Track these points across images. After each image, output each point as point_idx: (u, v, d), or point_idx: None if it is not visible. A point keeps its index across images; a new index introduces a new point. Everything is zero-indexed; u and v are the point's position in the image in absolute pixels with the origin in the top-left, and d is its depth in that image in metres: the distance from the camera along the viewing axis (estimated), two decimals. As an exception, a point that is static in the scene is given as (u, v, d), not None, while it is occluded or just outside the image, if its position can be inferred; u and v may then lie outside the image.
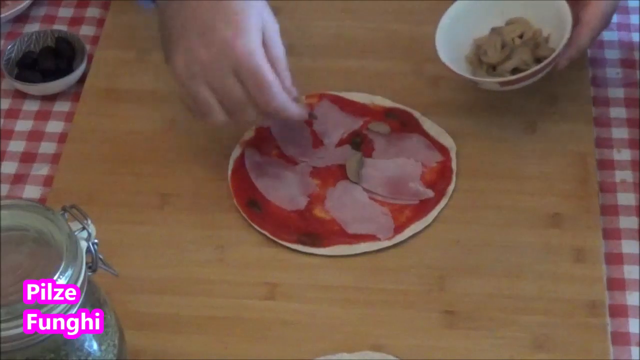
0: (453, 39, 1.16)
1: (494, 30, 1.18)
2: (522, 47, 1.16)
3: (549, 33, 1.17)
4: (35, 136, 1.23)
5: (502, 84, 1.13)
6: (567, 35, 1.11)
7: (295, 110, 1.09)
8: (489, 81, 1.14)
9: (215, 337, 1.03)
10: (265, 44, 1.05)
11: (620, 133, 1.20)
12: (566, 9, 1.13)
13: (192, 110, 1.08)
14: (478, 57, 1.17)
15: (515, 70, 1.14)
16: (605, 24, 1.15)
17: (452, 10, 1.17)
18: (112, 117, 1.23)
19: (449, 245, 1.09)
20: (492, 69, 1.17)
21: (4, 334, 0.81)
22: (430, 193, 1.13)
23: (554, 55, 1.11)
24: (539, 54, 1.15)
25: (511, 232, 1.10)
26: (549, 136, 1.18)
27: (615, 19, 1.31)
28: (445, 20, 1.17)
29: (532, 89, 1.21)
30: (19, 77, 1.26)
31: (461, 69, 1.15)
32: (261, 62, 1.04)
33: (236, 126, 1.11)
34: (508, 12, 1.19)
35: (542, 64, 1.11)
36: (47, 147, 1.22)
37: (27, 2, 1.34)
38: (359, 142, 1.18)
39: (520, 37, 1.18)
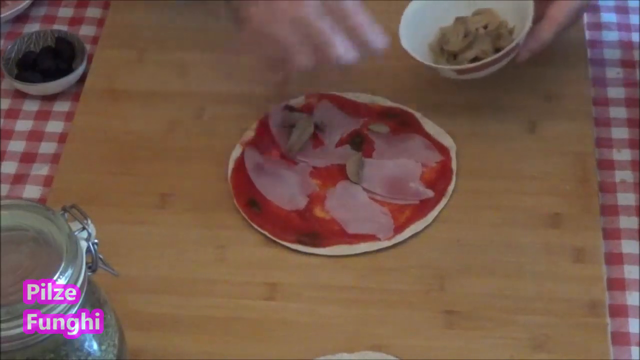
0: (419, 27, 1.17)
1: (459, 20, 1.19)
2: (483, 37, 1.16)
3: (514, 25, 1.17)
4: (35, 136, 1.23)
5: (459, 71, 1.14)
6: (527, 26, 1.11)
7: (379, 38, 1.06)
8: (447, 68, 1.15)
9: (215, 337, 1.03)
10: None
11: (620, 133, 1.20)
12: (530, 2, 1.13)
13: (270, 62, 1.07)
14: (441, 46, 1.18)
15: (475, 60, 1.15)
16: (572, 20, 1.15)
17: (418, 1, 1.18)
18: (112, 117, 1.23)
19: (449, 245, 1.09)
20: (454, 57, 1.17)
21: (4, 334, 0.81)
22: (430, 193, 1.13)
23: (511, 46, 1.12)
24: (500, 45, 1.15)
25: (511, 232, 1.10)
26: (549, 136, 1.18)
27: (615, 19, 1.32)
28: (412, 9, 1.17)
29: (532, 88, 1.21)
30: (19, 77, 1.26)
31: (424, 56, 1.16)
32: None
33: (315, 69, 1.07)
34: (476, 3, 1.19)
35: (499, 54, 1.12)
36: (47, 147, 1.22)
37: (27, 2, 1.35)
38: (359, 142, 1.18)
39: (485, 27, 1.18)
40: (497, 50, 1.14)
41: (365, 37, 1.05)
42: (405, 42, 1.15)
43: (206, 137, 1.20)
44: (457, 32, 1.17)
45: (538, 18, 1.13)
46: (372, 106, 1.21)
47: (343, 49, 1.04)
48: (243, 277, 1.08)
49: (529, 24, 1.12)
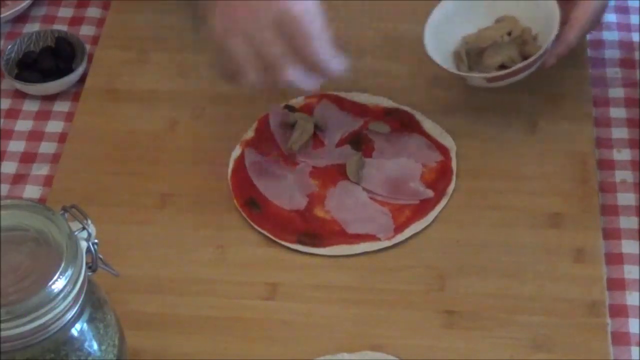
0: (442, 36, 1.17)
1: (483, 30, 1.19)
2: (509, 44, 1.16)
3: (538, 31, 1.17)
4: (35, 136, 1.23)
5: (490, 79, 1.14)
6: (554, 32, 1.11)
7: (334, 61, 1.05)
8: (477, 76, 1.15)
9: (215, 337, 1.03)
10: None
11: (620, 133, 1.20)
12: (555, 7, 1.13)
13: (225, 74, 1.06)
14: (466, 54, 1.18)
15: (502, 67, 1.15)
16: (595, 23, 1.15)
17: (442, 8, 1.18)
18: (112, 117, 1.23)
19: (449, 245, 1.09)
20: (479, 65, 1.17)
21: (4, 334, 0.81)
22: (430, 193, 1.13)
23: (540, 52, 1.12)
24: (527, 52, 1.15)
25: (511, 232, 1.10)
26: (549, 136, 1.18)
27: (615, 19, 1.32)
28: (435, 17, 1.17)
29: (532, 88, 1.21)
30: (19, 77, 1.26)
31: (449, 65, 1.16)
32: (302, 7, 1.01)
33: (266, 87, 1.06)
34: (497, 10, 1.19)
35: (528, 61, 1.12)
36: (47, 147, 1.22)
37: (27, 2, 1.34)
38: (359, 142, 1.18)
39: (509, 34, 1.18)
40: (524, 56, 1.14)
41: (320, 64, 1.04)
42: (432, 52, 1.14)
43: (206, 137, 1.20)
44: (484, 39, 1.17)
45: (561, 22, 1.13)
46: (372, 106, 1.21)
47: (294, 76, 1.03)
48: (243, 277, 1.08)
49: (556, 29, 1.12)
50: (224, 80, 1.07)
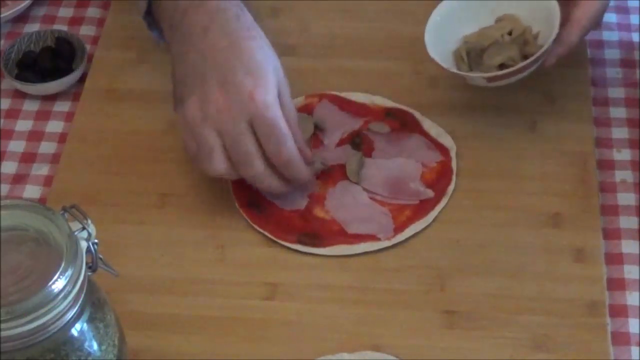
0: (442, 36, 1.17)
1: (483, 29, 1.19)
2: (510, 43, 1.16)
3: (538, 31, 1.17)
4: (35, 136, 1.23)
5: (489, 79, 1.14)
6: (555, 32, 1.11)
7: (303, 169, 1.08)
8: (477, 76, 1.14)
9: (215, 337, 1.03)
10: (279, 99, 1.06)
11: (620, 133, 1.20)
12: (555, 7, 1.13)
13: (194, 157, 1.08)
14: (466, 53, 1.18)
15: (502, 67, 1.15)
16: (596, 23, 1.15)
17: (443, 7, 1.18)
18: (112, 117, 1.23)
19: (449, 245, 1.09)
20: (479, 65, 1.17)
21: (4, 334, 0.81)
22: (430, 193, 1.13)
23: (540, 52, 1.12)
24: (527, 51, 1.15)
25: (511, 232, 1.10)
26: (549, 136, 1.18)
27: (615, 19, 1.32)
28: (435, 17, 1.17)
29: (532, 88, 1.21)
30: (19, 77, 1.26)
31: (449, 64, 1.16)
32: (278, 114, 1.05)
33: (232, 178, 1.09)
34: (498, 9, 1.19)
35: (528, 60, 1.12)
36: (47, 147, 1.22)
37: (27, 2, 1.34)
38: (359, 142, 1.18)
39: (510, 34, 1.18)
40: (525, 56, 1.14)
41: (288, 172, 1.07)
42: (432, 52, 1.14)
43: (206, 137, 1.20)
44: (485, 39, 1.17)
45: (562, 22, 1.13)
46: (372, 106, 1.21)
47: (260, 170, 1.06)
48: (243, 277, 1.08)
49: (556, 29, 1.12)
50: (193, 163, 1.09)
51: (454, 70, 1.15)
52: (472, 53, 1.18)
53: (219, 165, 1.06)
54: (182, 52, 1.09)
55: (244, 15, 1.10)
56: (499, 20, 1.20)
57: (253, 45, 1.07)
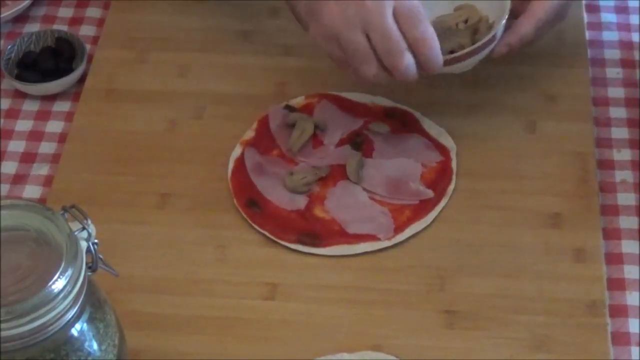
0: None
1: (440, 17, 1.19)
2: (462, 31, 1.16)
3: (494, 21, 1.17)
4: (35, 136, 1.23)
5: None
6: (503, 20, 1.11)
7: (439, 50, 1.07)
8: None
9: (215, 337, 1.03)
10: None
11: (620, 133, 1.20)
12: None
13: (341, 64, 1.08)
14: None
15: (452, 53, 1.15)
16: (556, 18, 1.14)
17: None
18: (112, 117, 1.23)
19: (449, 245, 1.09)
20: None
21: (4, 334, 0.81)
22: (430, 193, 1.13)
23: (486, 39, 1.11)
24: (479, 40, 1.14)
25: (511, 232, 1.10)
26: (549, 136, 1.18)
27: (615, 19, 1.32)
28: None
29: (532, 88, 1.21)
30: (19, 77, 1.26)
31: None
32: (415, 2, 1.05)
33: (385, 81, 1.09)
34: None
35: (473, 46, 1.11)
36: (47, 147, 1.22)
37: (27, 2, 1.35)
38: (359, 142, 1.18)
39: (465, 22, 1.18)
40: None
41: (426, 53, 1.07)
42: None
43: (206, 137, 1.20)
44: (438, 26, 1.17)
45: (518, 13, 1.13)
46: (372, 106, 1.21)
47: (407, 63, 1.06)
48: (243, 277, 1.08)
49: (505, 16, 1.12)
50: (340, 68, 1.10)
51: None
52: None
53: (372, 67, 1.06)
54: None
55: None
56: (457, 9, 1.20)
57: None
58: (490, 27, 1.16)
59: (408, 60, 1.06)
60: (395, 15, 1.05)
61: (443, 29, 1.16)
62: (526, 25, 1.12)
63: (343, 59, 1.08)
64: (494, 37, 1.11)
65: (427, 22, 1.06)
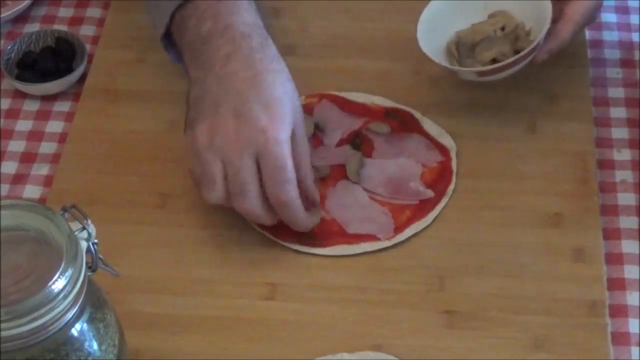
0: (435, 32, 1.17)
1: (477, 24, 1.19)
2: (502, 39, 1.16)
3: (531, 27, 1.17)
4: (35, 136, 1.23)
5: (480, 73, 1.14)
6: (545, 27, 1.11)
7: (300, 216, 1.06)
8: (467, 70, 1.15)
9: (215, 337, 1.03)
10: (292, 137, 1.04)
11: (620, 133, 1.20)
12: (548, 3, 1.13)
13: (196, 181, 1.07)
14: (458, 48, 1.18)
15: (494, 62, 1.15)
16: (589, 20, 1.15)
17: (435, 3, 1.18)
18: (112, 117, 1.23)
19: (449, 245, 1.09)
20: (471, 60, 1.17)
21: (4, 334, 0.81)
22: (430, 193, 1.13)
23: (531, 47, 1.12)
24: (519, 47, 1.15)
25: (511, 232, 1.10)
26: (549, 136, 1.18)
27: (615, 19, 1.32)
28: (428, 13, 1.17)
29: (532, 88, 1.21)
30: (19, 77, 1.26)
31: (441, 59, 1.16)
32: (287, 154, 1.02)
33: (226, 207, 1.07)
34: (491, 6, 1.20)
35: (518, 55, 1.12)
36: (47, 147, 1.22)
37: (27, 2, 1.35)
38: (359, 142, 1.18)
39: (502, 29, 1.18)
40: (516, 52, 1.14)
41: (283, 215, 1.05)
42: (425, 46, 1.14)
43: (206, 137, 1.20)
44: (477, 35, 1.17)
45: (554, 19, 1.13)
46: (372, 106, 1.21)
47: (254, 204, 1.04)
48: (243, 277, 1.08)
49: (547, 24, 1.12)
50: (193, 182, 1.08)
51: (445, 64, 1.15)
52: (464, 48, 1.17)
53: (217, 192, 1.04)
54: (201, 76, 1.07)
55: (269, 45, 1.08)
56: (492, 16, 1.20)
57: (275, 80, 1.05)
58: (527, 33, 1.17)
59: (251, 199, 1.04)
60: (259, 163, 1.03)
61: (482, 38, 1.16)
62: (565, 30, 1.12)
63: (197, 176, 1.07)
64: (537, 44, 1.11)
65: (292, 183, 1.03)
